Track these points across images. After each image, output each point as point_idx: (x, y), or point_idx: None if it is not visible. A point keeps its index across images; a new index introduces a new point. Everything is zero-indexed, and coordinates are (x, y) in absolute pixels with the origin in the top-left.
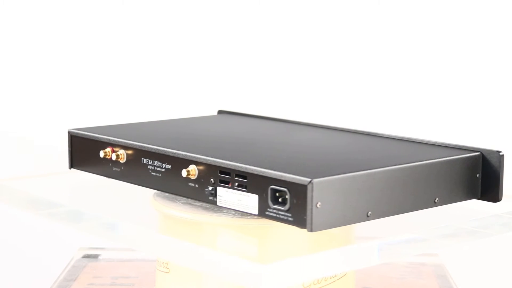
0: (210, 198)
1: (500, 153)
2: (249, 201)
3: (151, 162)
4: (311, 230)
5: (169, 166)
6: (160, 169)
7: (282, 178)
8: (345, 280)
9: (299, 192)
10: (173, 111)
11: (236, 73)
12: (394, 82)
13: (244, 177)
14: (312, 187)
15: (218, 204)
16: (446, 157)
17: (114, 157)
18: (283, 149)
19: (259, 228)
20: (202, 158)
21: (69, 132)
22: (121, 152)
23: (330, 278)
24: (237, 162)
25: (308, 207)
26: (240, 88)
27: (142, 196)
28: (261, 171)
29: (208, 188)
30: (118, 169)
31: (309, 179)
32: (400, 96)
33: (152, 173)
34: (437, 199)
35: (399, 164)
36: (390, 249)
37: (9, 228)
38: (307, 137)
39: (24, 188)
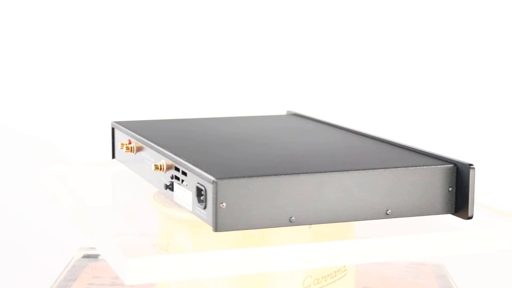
0: (171, 193)
1: (471, 166)
2: (187, 197)
3: (146, 156)
4: (215, 230)
5: (153, 160)
6: (149, 163)
7: (202, 177)
8: (345, 280)
9: (209, 191)
10: (259, 109)
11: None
12: (393, 84)
13: (186, 174)
14: (216, 187)
15: (174, 199)
16: (405, 166)
17: (124, 149)
18: (254, 151)
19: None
20: (167, 154)
21: (112, 124)
22: (133, 145)
23: (330, 278)
24: (183, 159)
25: (213, 207)
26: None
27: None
28: (192, 169)
29: (167, 183)
30: (132, 161)
31: (214, 179)
32: (403, 101)
33: (146, 166)
34: (389, 210)
35: (339, 170)
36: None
37: (10, 228)
38: (315, 140)
39: (57, 176)
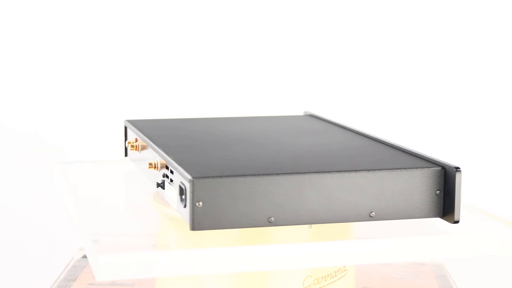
0: (163, 191)
1: (457, 169)
2: (173, 196)
3: (147, 154)
4: (191, 229)
5: (151, 158)
6: (148, 161)
7: (183, 176)
8: (345, 280)
9: (187, 190)
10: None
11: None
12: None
13: (173, 173)
14: (193, 186)
15: (165, 197)
16: (389, 169)
17: (130, 148)
18: (247, 151)
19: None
20: (160, 153)
21: (124, 123)
22: (138, 143)
23: (330, 278)
24: (171, 158)
25: (190, 205)
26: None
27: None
28: (176, 167)
29: (159, 181)
30: (139, 159)
31: (191, 178)
32: (407, 103)
33: (146, 164)
34: (373, 213)
35: (319, 172)
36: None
37: (10, 228)
38: (315, 141)
39: (64, 174)
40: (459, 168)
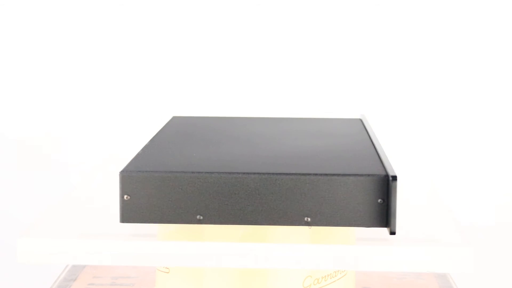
0: None
1: (393, 178)
2: None
3: None
4: (120, 221)
5: None
6: None
7: None
8: (345, 280)
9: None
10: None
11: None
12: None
13: None
14: (121, 179)
15: None
16: (326, 174)
17: None
18: (224, 151)
19: None
20: None
21: (172, 119)
22: None
23: (330, 278)
24: (140, 153)
25: (120, 198)
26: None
27: None
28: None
29: None
30: None
31: (120, 171)
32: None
33: None
34: (308, 218)
35: (251, 173)
36: None
37: (9, 228)
38: (306, 143)
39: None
40: (395, 176)
